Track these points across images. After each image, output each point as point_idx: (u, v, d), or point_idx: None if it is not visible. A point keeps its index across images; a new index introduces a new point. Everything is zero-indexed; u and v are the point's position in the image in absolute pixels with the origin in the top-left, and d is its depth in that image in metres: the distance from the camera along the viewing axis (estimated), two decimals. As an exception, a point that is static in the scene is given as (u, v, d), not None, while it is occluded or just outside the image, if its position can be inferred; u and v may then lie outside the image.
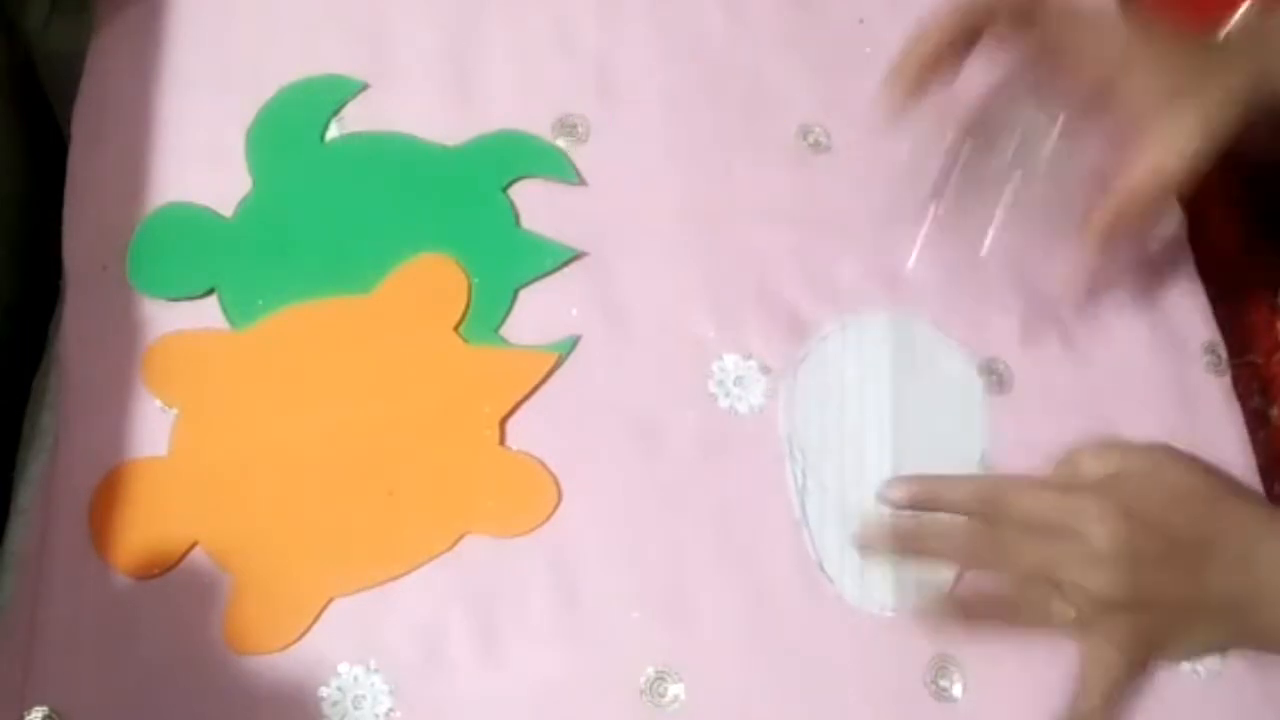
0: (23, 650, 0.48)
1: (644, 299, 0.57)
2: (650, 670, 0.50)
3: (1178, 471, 0.52)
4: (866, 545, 0.51)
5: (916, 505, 0.52)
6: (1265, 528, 0.50)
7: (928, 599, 0.51)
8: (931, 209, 0.58)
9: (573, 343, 0.55)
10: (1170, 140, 0.50)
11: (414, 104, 0.59)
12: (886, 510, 0.52)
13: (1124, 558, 0.48)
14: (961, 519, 0.51)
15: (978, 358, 0.57)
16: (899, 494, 0.52)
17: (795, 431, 0.54)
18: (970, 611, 0.51)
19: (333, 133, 0.58)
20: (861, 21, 0.64)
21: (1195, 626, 0.50)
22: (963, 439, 0.55)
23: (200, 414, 0.52)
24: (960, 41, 0.53)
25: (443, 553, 0.51)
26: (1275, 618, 0.50)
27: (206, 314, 0.54)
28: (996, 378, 0.57)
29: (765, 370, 0.56)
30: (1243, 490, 0.54)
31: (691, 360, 0.56)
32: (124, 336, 0.54)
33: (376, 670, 0.49)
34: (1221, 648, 0.51)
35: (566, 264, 0.57)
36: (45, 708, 0.47)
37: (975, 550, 0.51)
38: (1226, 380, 0.58)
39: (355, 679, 0.49)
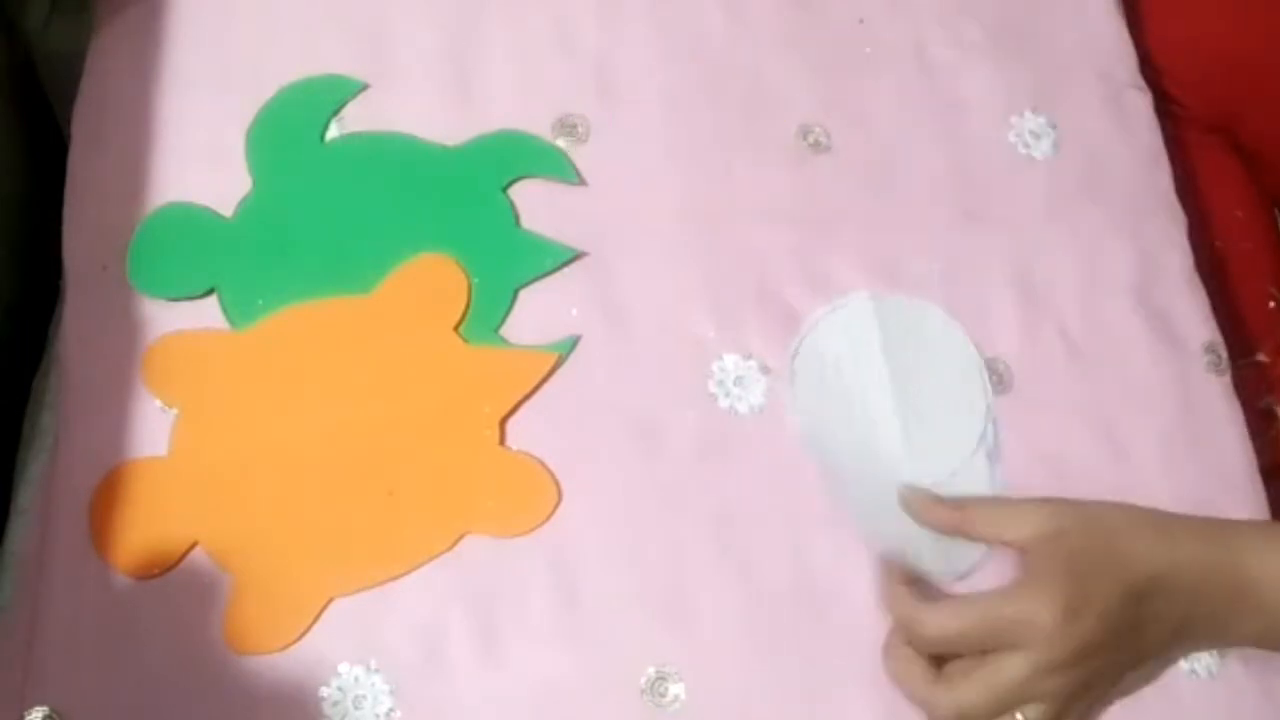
0: (23, 650, 0.49)
1: (644, 299, 0.57)
2: (650, 670, 0.50)
3: (1086, 527, 0.50)
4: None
5: None
6: (1180, 554, 0.49)
7: None
8: None
9: (573, 343, 0.55)
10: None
11: (414, 104, 0.59)
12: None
13: (1074, 652, 0.47)
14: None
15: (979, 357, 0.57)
16: None
17: (807, 429, 0.55)
18: None
19: (333, 133, 0.58)
20: (861, 21, 0.63)
21: (1141, 665, 0.50)
22: (964, 413, 0.56)
23: (200, 414, 0.52)
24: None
25: (443, 553, 0.51)
26: (1210, 632, 0.50)
27: (206, 314, 0.54)
28: (997, 377, 0.57)
29: (765, 370, 0.56)
30: (1151, 517, 0.52)
31: (691, 360, 0.56)
32: (124, 336, 0.54)
33: (376, 670, 0.49)
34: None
35: (566, 264, 0.56)
36: (45, 708, 0.47)
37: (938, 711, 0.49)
38: (1227, 380, 0.58)
39: (355, 679, 0.49)
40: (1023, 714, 0.48)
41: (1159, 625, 0.49)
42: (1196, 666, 0.52)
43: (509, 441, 0.53)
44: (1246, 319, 0.66)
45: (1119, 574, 0.48)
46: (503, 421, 0.53)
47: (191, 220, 0.56)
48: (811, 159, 0.61)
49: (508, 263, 0.56)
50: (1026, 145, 0.62)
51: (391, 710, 0.48)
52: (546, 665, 0.50)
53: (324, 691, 0.49)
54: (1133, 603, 0.48)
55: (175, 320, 0.54)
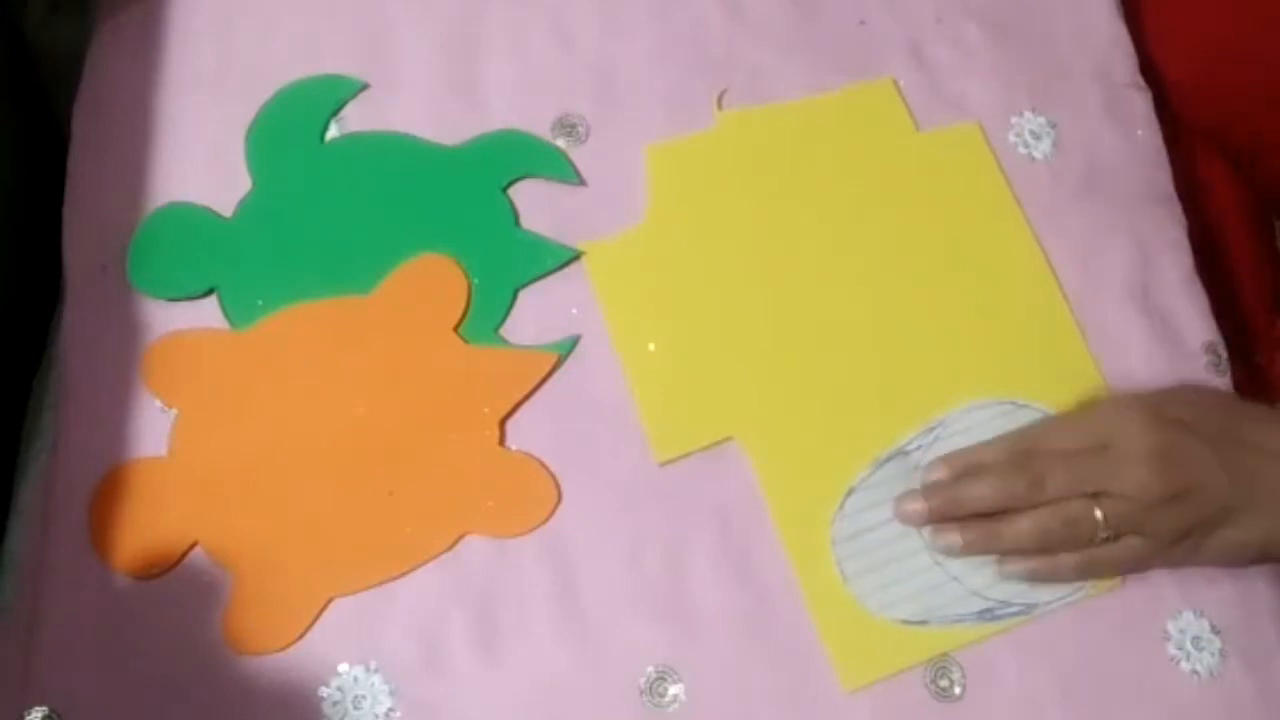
0: (23, 650, 0.49)
1: (644, 299, 0.57)
2: (650, 670, 0.50)
3: (1188, 391, 0.55)
4: (906, 516, 0.52)
5: (960, 476, 0.53)
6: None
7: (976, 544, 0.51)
8: None
9: (573, 343, 0.55)
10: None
11: (414, 104, 0.59)
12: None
13: (1159, 453, 0.50)
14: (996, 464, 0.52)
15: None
16: (942, 472, 0.53)
17: None
18: (1014, 548, 0.51)
19: (333, 133, 0.58)
20: (862, 22, 0.64)
21: (1232, 518, 0.50)
22: None
23: (200, 414, 0.52)
24: None
25: (443, 553, 0.51)
26: None
27: (206, 314, 0.54)
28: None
29: (765, 370, 0.56)
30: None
31: (691, 360, 0.56)
32: (124, 336, 0.54)
33: (376, 670, 0.49)
34: (1258, 545, 0.51)
35: (566, 264, 0.57)
36: (45, 708, 0.47)
37: (1012, 488, 0.51)
38: (1227, 380, 0.58)
39: (355, 679, 0.49)
40: (1103, 509, 0.50)
41: (1256, 463, 0.50)
42: (1198, 666, 0.52)
43: (509, 441, 0.53)
44: (1241, 321, 0.66)
45: (1218, 407, 0.53)
46: (502, 422, 0.53)
47: (191, 220, 0.56)
48: (811, 159, 0.61)
49: (508, 263, 0.56)
50: (1026, 145, 0.62)
51: (391, 710, 0.48)
52: (546, 665, 0.50)
53: (324, 691, 0.49)
54: (1227, 432, 0.51)
55: (175, 320, 0.54)
